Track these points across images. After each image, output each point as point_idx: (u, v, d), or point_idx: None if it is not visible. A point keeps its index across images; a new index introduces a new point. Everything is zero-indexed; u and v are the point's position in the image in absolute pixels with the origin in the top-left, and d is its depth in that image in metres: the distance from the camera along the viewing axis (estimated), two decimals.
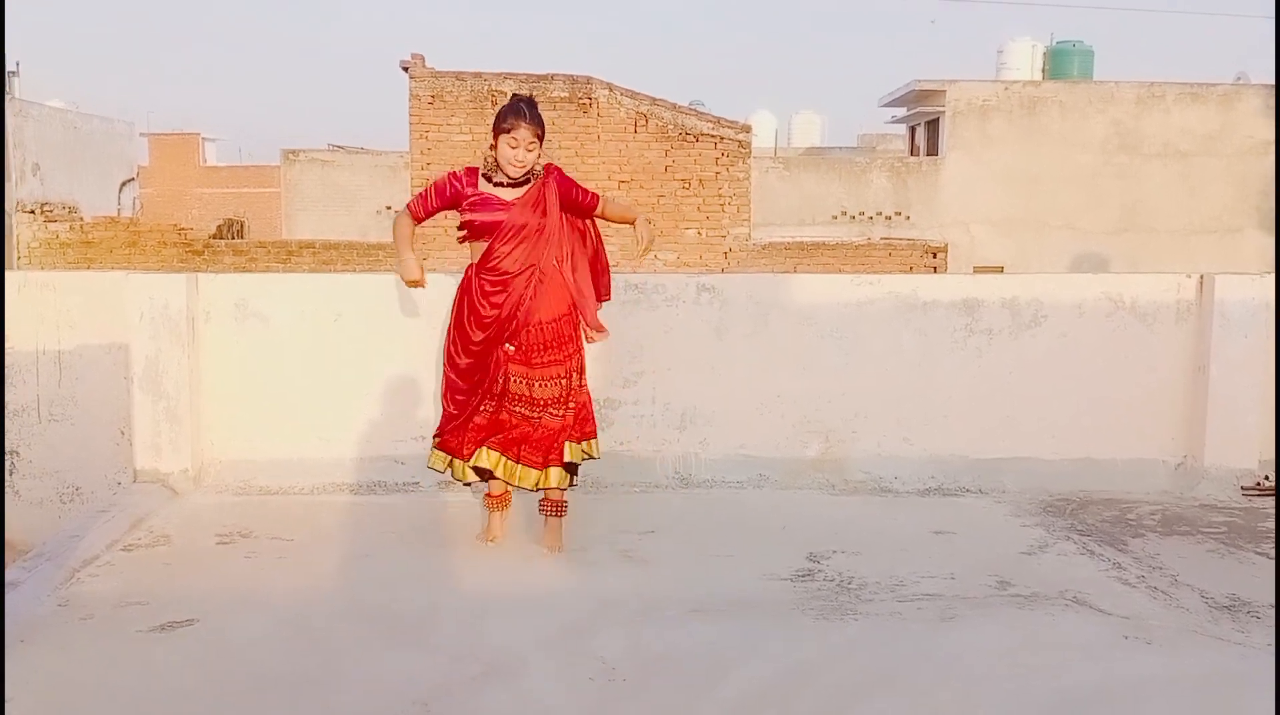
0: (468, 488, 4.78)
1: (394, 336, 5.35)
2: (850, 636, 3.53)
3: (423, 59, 15.35)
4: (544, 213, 4.15)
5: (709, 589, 3.94)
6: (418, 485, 5.25)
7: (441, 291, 5.33)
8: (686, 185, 15.48)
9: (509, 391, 4.19)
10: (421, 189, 4.28)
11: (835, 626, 3.61)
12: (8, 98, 21.79)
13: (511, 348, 4.18)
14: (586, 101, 15.19)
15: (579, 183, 4.32)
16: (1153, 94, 23.56)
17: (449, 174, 4.27)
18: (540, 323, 4.16)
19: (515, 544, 4.42)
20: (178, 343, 5.16)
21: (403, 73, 15.31)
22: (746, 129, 15.92)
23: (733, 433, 5.45)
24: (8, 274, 6.03)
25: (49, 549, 4.17)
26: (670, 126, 15.39)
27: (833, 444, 5.48)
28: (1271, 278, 5.35)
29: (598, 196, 4.31)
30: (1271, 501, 5.16)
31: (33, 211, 16.16)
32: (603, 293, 4.47)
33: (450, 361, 4.27)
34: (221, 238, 17.46)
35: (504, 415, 4.21)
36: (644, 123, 15.35)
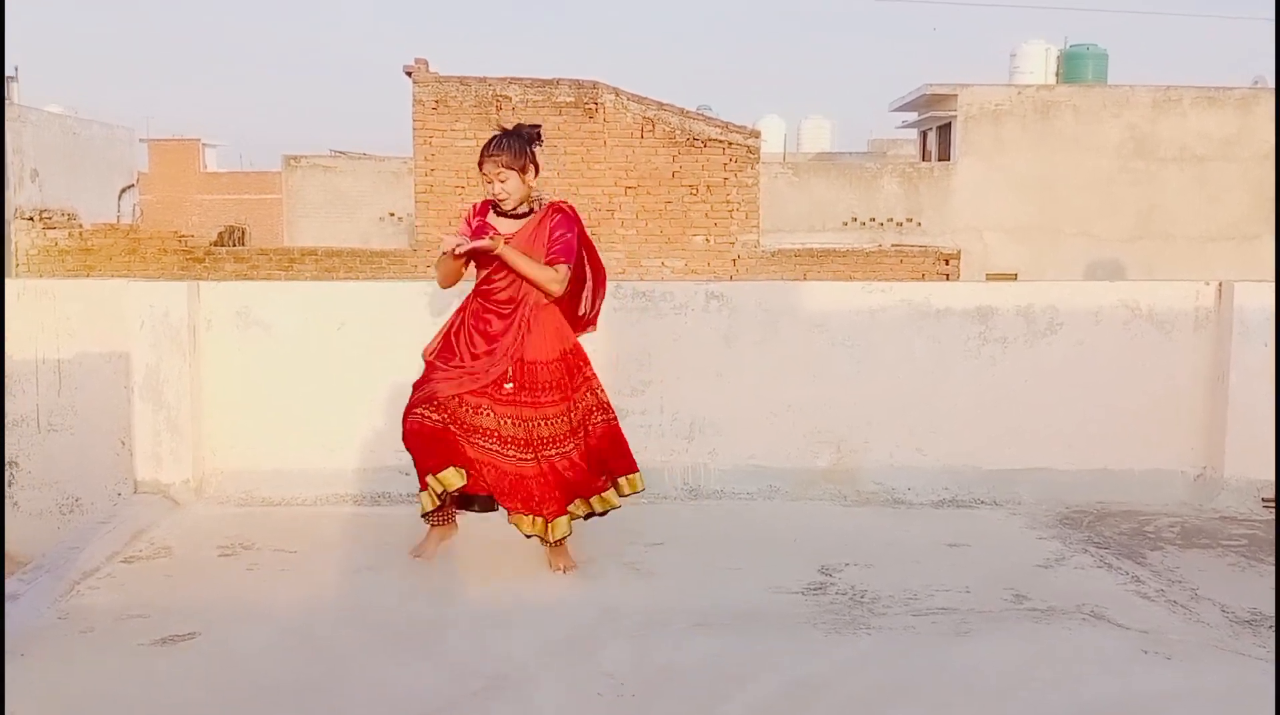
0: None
1: (398, 345, 5.34)
2: (862, 651, 3.53)
3: (426, 63, 15.41)
4: (535, 245, 4.09)
5: (717, 602, 3.94)
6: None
7: (447, 300, 5.35)
8: (694, 191, 15.50)
9: (482, 428, 4.10)
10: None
11: (847, 640, 3.60)
12: (6, 103, 21.88)
13: (510, 386, 4.10)
14: (592, 106, 15.22)
15: (570, 232, 4.13)
16: (1169, 98, 23.55)
17: (466, 214, 4.27)
18: (535, 362, 4.10)
19: (520, 555, 4.41)
20: (179, 352, 5.17)
21: (406, 78, 15.36)
22: (755, 134, 15.95)
23: (742, 443, 5.45)
24: (7, 283, 6.06)
25: (48, 561, 4.18)
26: (678, 131, 15.41)
27: (844, 454, 5.48)
28: None
29: (564, 262, 4.08)
30: None
31: (31, 218, 16.22)
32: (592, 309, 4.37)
33: (428, 369, 4.23)
34: (223, 245, 17.53)
35: (472, 452, 4.10)
36: (651, 128, 15.37)
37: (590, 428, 4.18)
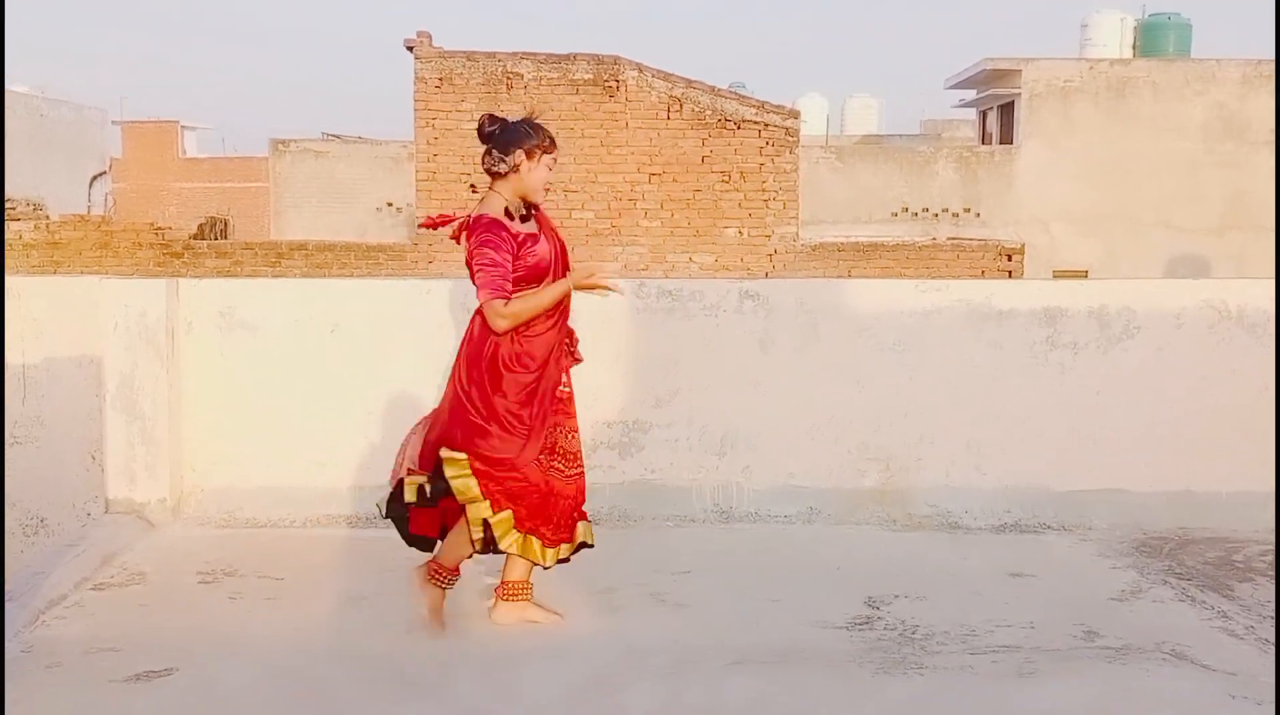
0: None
1: (397, 349, 5.38)
2: (914, 693, 3.52)
3: (429, 37, 15.48)
4: (556, 236, 4.11)
5: (753, 638, 3.94)
6: None
7: (452, 301, 5.37)
8: (726, 178, 15.50)
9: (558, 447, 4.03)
10: (483, 272, 3.89)
11: (898, 682, 3.59)
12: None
13: (567, 390, 4.06)
14: (613, 84, 15.25)
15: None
16: (1260, 73, 23.37)
17: (489, 229, 3.95)
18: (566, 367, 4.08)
19: (535, 586, 4.42)
20: (156, 356, 5.22)
21: (407, 53, 15.43)
22: (794, 114, 15.93)
23: (780, 460, 5.45)
24: None
25: (12, 588, 4.21)
26: (708, 112, 15.42)
27: (894, 473, 5.47)
28: None
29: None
30: None
31: None
32: None
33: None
34: (203, 238, 17.65)
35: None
36: (678, 108, 15.39)
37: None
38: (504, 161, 4.02)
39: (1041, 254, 21.86)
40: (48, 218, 16.62)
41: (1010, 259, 15.76)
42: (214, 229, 19.74)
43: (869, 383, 5.47)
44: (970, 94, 28.40)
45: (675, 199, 15.44)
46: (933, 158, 24.12)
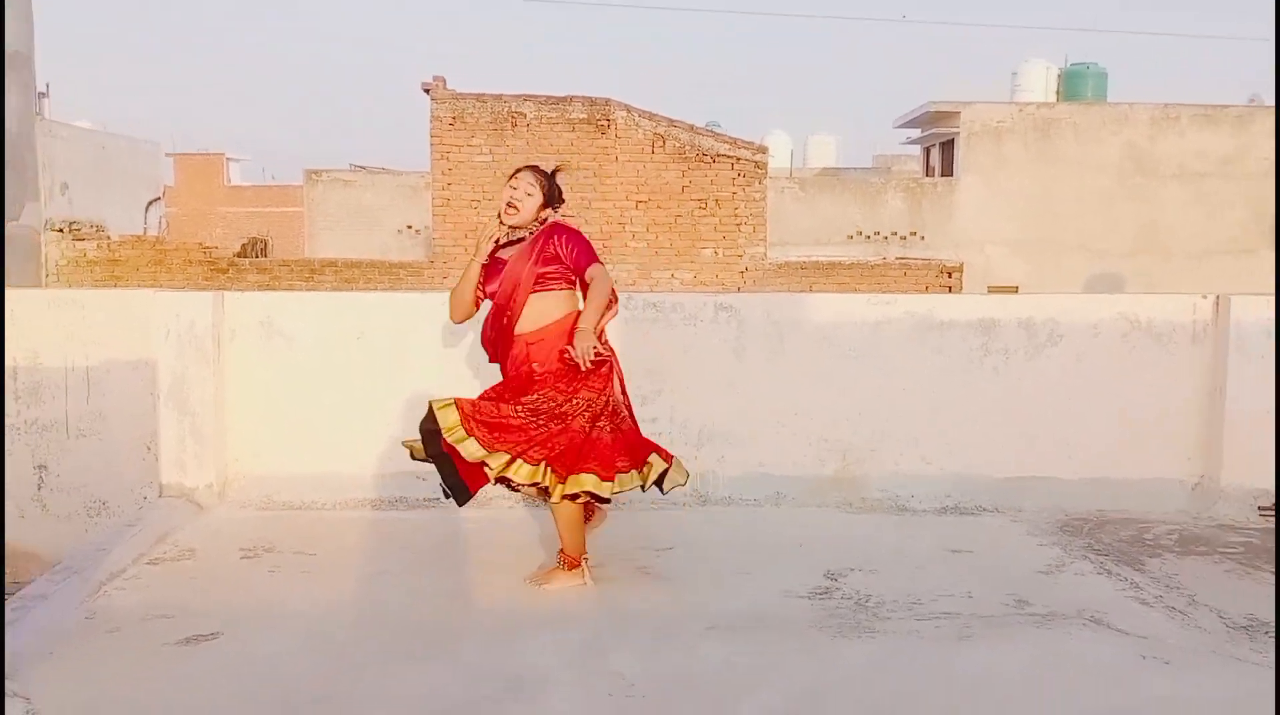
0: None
1: (415, 354, 5.37)
2: (868, 655, 3.52)
3: (444, 81, 15.46)
4: (523, 262, 4.02)
5: (726, 606, 3.93)
6: (438, 501, 5.23)
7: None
8: (703, 205, 15.51)
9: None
10: None
11: (853, 645, 3.59)
12: (37, 119, 22.00)
13: (539, 367, 4.02)
14: (605, 123, 15.25)
15: (577, 242, 4.05)
16: (1167, 115, 23.48)
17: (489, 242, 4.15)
18: (549, 371, 4.02)
19: (534, 560, 4.42)
20: (203, 360, 5.20)
21: (424, 94, 15.41)
22: (763, 150, 15.95)
23: (751, 451, 5.45)
24: (37, 292, 6.09)
25: (76, 562, 4.20)
26: (687, 147, 15.43)
27: (850, 462, 5.47)
28: None
29: (592, 263, 4.01)
30: None
31: (61, 230, 16.31)
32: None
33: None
34: (246, 256, 17.59)
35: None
36: (661, 143, 15.40)
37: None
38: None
39: (978, 272, 21.91)
40: (109, 238, 16.53)
41: (951, 277, 15.80)
42: (255, 248, 19.66)
43: (829, 384, 5.47)
44: (916, 133, 28.46)
45: (659, 223, 15.45)
46: (883, 188, 24.15)
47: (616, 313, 4.17)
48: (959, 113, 23.72)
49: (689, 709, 3.14)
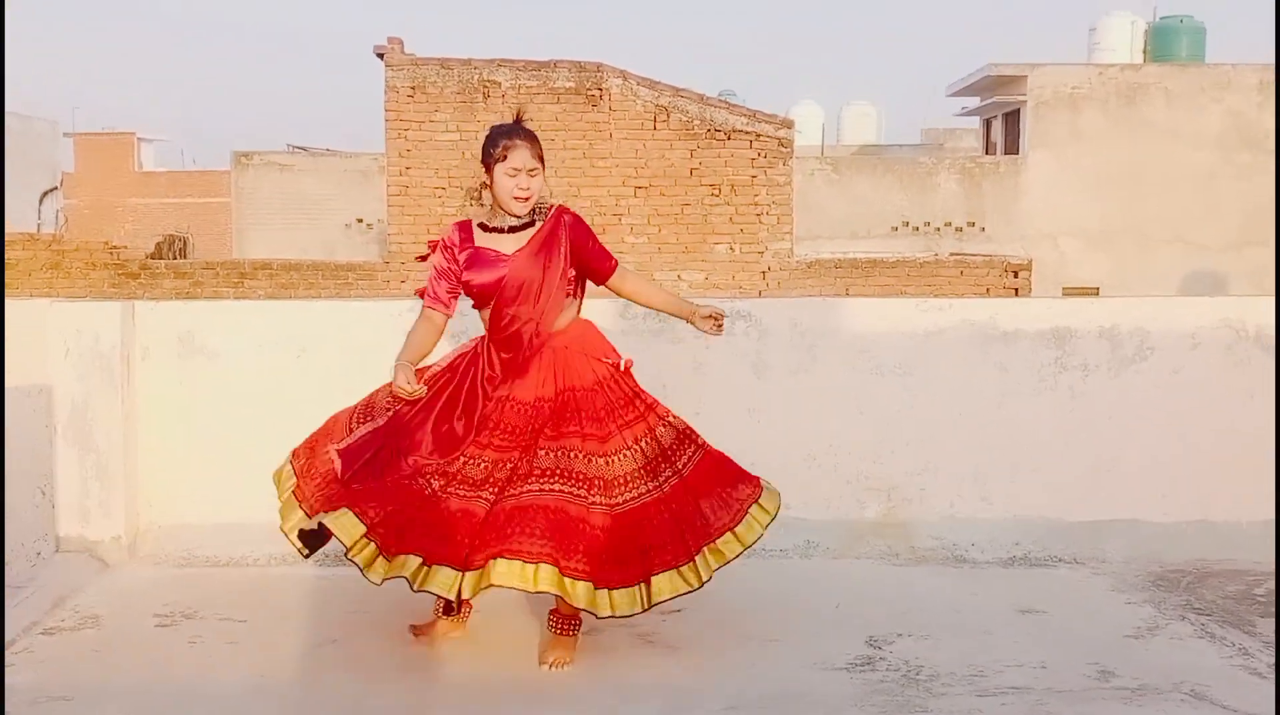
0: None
1: (369, 376, 5.35)
2: None
3: (401, 44, 15.54)
4: (548, 261, 4.02)
5: (749, 681, 3.93)
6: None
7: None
8: (716, 192, 15.57)
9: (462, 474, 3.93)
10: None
11: None
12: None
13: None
14: (596, 93, 15.32)
15: (595, 235, 4.16)
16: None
17: (440, 243, 4.13)
18: (521, 402, 4.00)
19: (513, 627, 4.41)
20: (110, 384, 5.21)
21: (377, 60, 15.48)
22: (788, 124, 16.03)
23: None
24: None
25: None
26: (696, 122, 15.50)
27: (896, 504, 5.48)
28: None
29: (615, 262, 4.15)
30: None
31: None
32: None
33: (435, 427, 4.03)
34: (161, 257, 17.65)
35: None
36: (664, 117, 15.46)
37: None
38: (482, 177, 4.06)
39: (1049, 270, 21.98)
40: None
41: (1017, 276, 15.85)
42: (172, 248, 19.73)
43: (868, 408, 5.48)
44: (974, 102, 28.60)
45: (662, 214, 15.50)
46: (934, 169, 24.25)
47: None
48: (1025, 77, 23.85)
49: None
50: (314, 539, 4.11)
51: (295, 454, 4.28)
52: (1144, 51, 26.89)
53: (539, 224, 4.08)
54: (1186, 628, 4.47)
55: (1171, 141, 23.42)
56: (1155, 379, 5.49)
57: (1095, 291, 21.77)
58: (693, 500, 4.02)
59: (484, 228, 4.11)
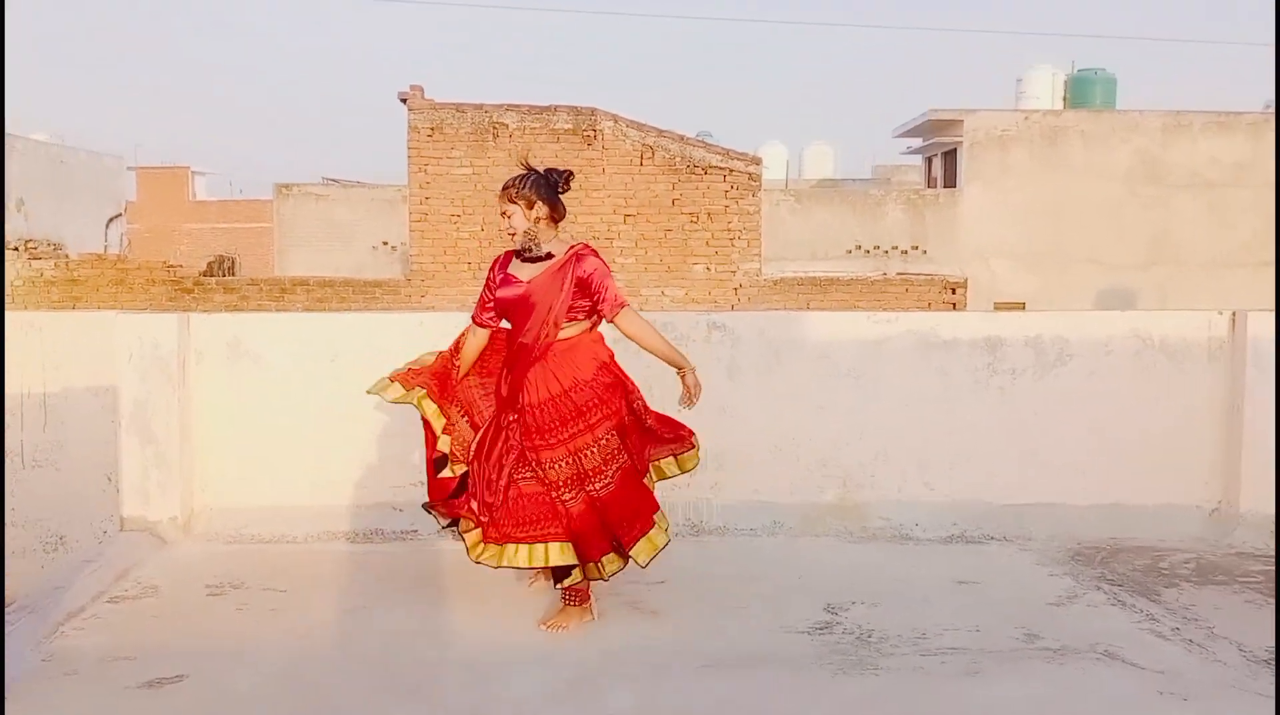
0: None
1: None
2: (871, 692, 3.52)
3: (421, 90, 15.50)
4: (555, 290, 4.05)
5: (722, 642, 3.93)
6: (416, 533, 5.25)
7: (444, 333, 5.36)
8: (694, 219, 15.56)
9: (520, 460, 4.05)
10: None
11: (855, 682, 3.59)
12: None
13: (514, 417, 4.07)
14: (591, 133, 15.30)
15: (608, 279, 4.15)
16: (1179, 123, 23.68)
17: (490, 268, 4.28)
18: (535, 404, 4.04)
19: (518, 595, 4.41)
20: (168, 385, 5.19)
21: (401, 104, 15.45)
22: (756, 161, 16.01)
23: (746, 477, 5.45)
24: None
25: (32, 601, 4.16)
26: (678, 158, 15.49)
27: (851, 489, 5.48)
28: None
29: (622, 305, 4.14)
30: None
31: (17, 248, 16.28)
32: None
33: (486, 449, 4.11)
34: (212, 275, 17.57)
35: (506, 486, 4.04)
36: (650, 155, 15.45)
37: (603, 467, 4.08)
38: None
39: (983, 288, 22.00)
40: (67, 257, 16.49)
41: (954, 292, 15.85)
42: (222, 267, 19.65)
43: (827, 406, 5.49)
44: (917, 142, 28.62)
45: (648, 238, 15.48)
46: (883, 200, 24.27)
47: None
48: (962, 121, 23.87)
49: None
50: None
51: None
52: (1064, 99, 26.93)
53: (556, 256, 4.11)
54: (1101, 596, 4.48)
55: (1087, 176, 23.47)
56: (1074, 381, 5.50)
57: (1022, 306, 21.79)
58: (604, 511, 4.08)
59: (518, 256, 4.18)
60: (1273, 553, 5.13)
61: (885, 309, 13.94)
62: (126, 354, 5.18)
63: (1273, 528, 5.29)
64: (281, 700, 3.43)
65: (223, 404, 5.36)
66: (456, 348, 4.32)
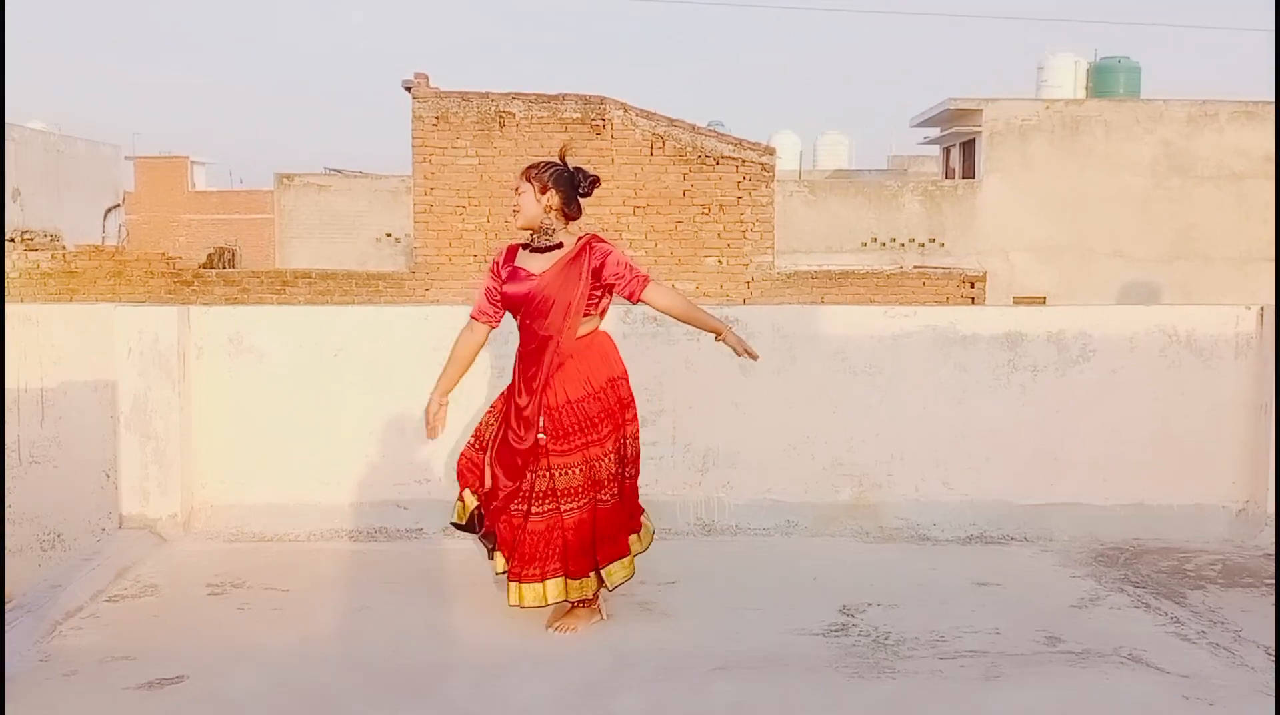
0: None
1: (396, 373, 5.37)
2: (888, 696, 3.51)
3: (426, 78, 15.50)
4: (570, 282, 4.01)
5: (735, 645, 3.93)
6: (421, 531, 5.26)
7: (449, 327, 5.37)
8: (706, 211, 15.54)
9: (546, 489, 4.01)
10: None
11: (871, 685, 3.59)
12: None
13: (543, 437, 4.00)
14: (600, 123, 15.29)
15: (625, 259, 4.12)
16: (1205, 113, 23.60)
17: (491, 265, 4.21)
18: (559, 405, 4.00)
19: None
20: (167, 379, 5.20)
21: (405, 93, 15.45)
22: (770, 151, 15.99)
23: (759, 476, 5.44)
24: None
25: (29, 600, 4.18)
26: (689, 149, 15.47)
27: (867, 488, 5.47)
28: None
29: (647, 282, 4.10)
30: None
31: (13, 240, 16.31)
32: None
33: (499, 455, 4.08)
34: (212, 267, 17.58)
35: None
36: (661, 145, 15.44)
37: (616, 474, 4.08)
38: None
39: (1002, 282, 21.95)
40: (64, 248, 16.53)
41: (973, 287, 15.81)
42: (222, 259, 19.66)
43: (842, 403, 5.48)
44: (934, 132, 28.56)
45: (658, 230, 15.47)
46: (899, 191, 24.23)
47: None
48: (981, 110, 23.82)
49: None
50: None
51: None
52: (1086, 88, 26.85)
53: (567, 246, 4.08)
54: (1124, 599, 4.47)
55: (1110, 168, 23.40)
56: (1096, 378, 5.48)
57: (1043, 300, 21.73)
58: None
59: (525, 248, 4.14)
60: None
61: (902, 303, 13.91)
62: (125, 348, 5.19)
63: None
64: (283, 701, 3.44)
65: (223, 399, 5.37)
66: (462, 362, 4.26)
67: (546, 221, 4.08)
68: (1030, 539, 5.30)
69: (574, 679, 3.60)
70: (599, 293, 4.08)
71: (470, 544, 5.00)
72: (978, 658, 3.81)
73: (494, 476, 4.06)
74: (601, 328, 4.21)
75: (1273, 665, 3.76)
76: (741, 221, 15.59)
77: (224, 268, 18.27)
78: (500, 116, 15.23)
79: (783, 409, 5.47)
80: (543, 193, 4.07)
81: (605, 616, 4.13)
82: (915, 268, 18.83)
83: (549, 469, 3.98)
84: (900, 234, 23.75)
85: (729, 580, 4.68)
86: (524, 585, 3.96)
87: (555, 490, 3.99)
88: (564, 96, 15.38)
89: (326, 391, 5.38)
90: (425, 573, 4.75)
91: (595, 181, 4.22)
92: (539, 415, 4.00)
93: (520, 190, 4.10)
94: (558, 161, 4.17)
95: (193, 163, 40.03)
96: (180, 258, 17.12)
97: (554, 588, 3.98)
